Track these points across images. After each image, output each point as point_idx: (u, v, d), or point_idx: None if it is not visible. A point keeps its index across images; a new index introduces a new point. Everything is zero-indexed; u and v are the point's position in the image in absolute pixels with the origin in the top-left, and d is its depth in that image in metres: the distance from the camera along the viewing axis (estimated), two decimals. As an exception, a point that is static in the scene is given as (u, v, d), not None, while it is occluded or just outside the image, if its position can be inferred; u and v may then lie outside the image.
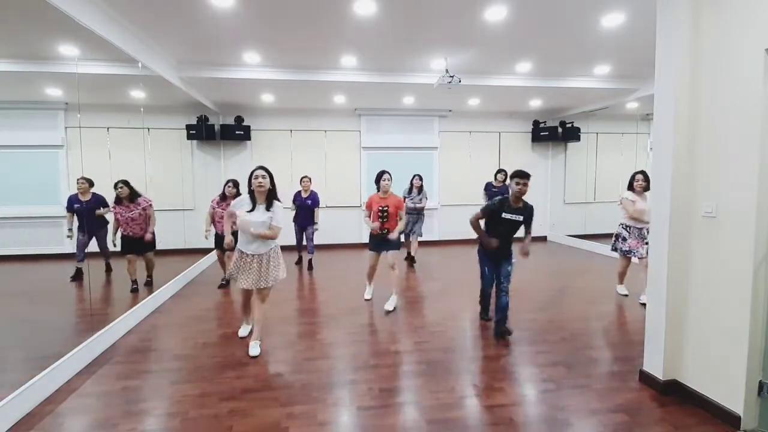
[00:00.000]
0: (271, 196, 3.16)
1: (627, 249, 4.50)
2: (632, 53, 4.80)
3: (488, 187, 6.59)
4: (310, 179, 6.14)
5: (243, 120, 7.36)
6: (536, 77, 5.85)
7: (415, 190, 6.21)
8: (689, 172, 2.47)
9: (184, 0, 3.34)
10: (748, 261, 2.14)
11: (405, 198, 6.02)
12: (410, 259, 6.35)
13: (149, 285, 4.64)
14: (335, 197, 7.80)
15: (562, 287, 5.02)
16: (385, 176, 4.20)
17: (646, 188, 4.38)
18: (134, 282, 4.51)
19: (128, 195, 4.36)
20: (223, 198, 4.92)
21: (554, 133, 8.20)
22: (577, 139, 8.01)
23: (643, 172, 4.50)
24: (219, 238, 4.99)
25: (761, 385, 2.17)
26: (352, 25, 3.88)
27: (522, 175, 3.31)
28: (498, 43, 4.45)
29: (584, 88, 6.13)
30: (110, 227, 4.49)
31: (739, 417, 2.20)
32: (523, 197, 3.42)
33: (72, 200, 4.13)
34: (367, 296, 4.60)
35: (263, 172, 3.11)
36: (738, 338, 2.19)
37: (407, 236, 6.21)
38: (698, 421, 2.31)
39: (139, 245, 4.48)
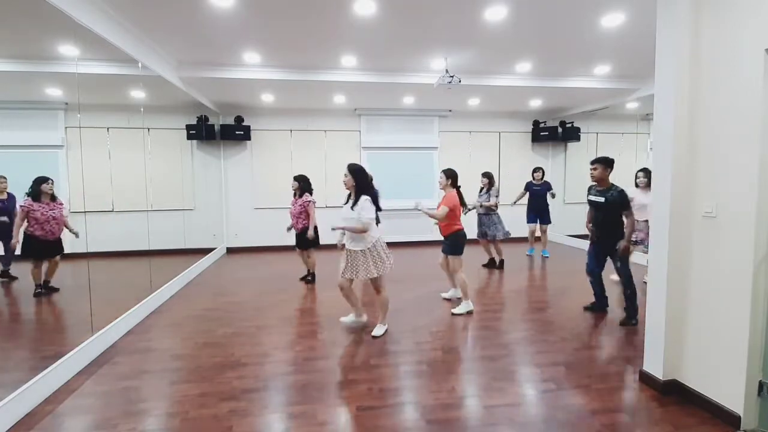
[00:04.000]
0: (358, 193, 3.36)
1: (638, 240, 4.71)
2: (632, 53, 4.80)
3: (529, 186, 6.87)
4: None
5: (243, 120, 7.36)
6: (536, 77, 5.85)
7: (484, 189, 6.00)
8: (689, 172, 2.47)
9: (184, 0, 3.34)
10: (748, 261, 2.14)
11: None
12: (496, 263, 6.10)
13: (51, 289, 4.25)
14: (335, 197, 7.80)
15: (562, 287, 5.02)
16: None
17: (648, 184, 4.60)
18: (39, 286, 4.13)
19: (52, 194, 4.08)
20: (295, 195, 5.26)
21: (554, 133, 8.20)
22: (577, 139, 8.00)
23: (644, 169, 4.75)
24: (296, 236, 5.29)
25: (761, 385, 2.17)
26: (352, 25, 3.88)
27: (592, 161, 3.81)
28: (498, 43, 4.45)
29: (584, 88, 6.14)
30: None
31: (739, 417, 2.20)
32: (603, 182, 3.77)
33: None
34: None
35: (346, 171, 3.38)
36: (738, 338, 2.19)
37: (488, 239, 6.00)
38: (698, 421, 2.31)
39: (52, 247, 4.11)
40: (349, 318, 3.77)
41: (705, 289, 2.41)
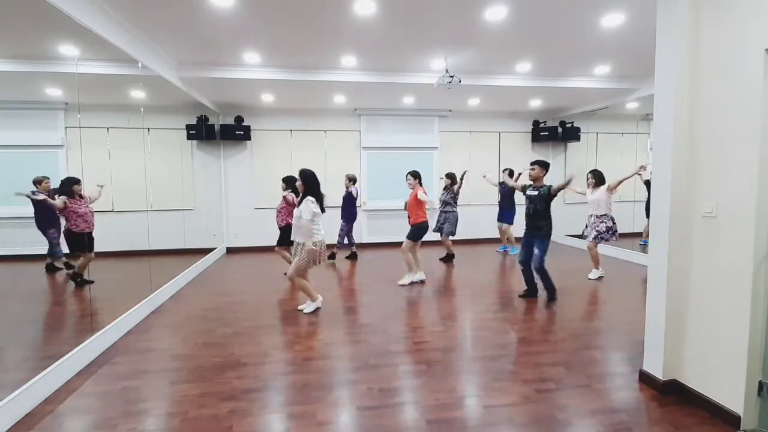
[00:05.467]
0: (305, 194, 3.92)
1: (585, 233, 5.52)
2: (632, 53, 4.80)
3: (501, 184, 7.12)
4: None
5: (243, 120, 7.36)
6: (536, 77, 5.85)
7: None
8: (689, 171, 2.47)
9: (185, 0, 3.34)
10: (748, 261, 2.14)
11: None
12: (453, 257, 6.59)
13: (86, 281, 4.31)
14: (335, 198, 7.79)
15: (562, 287, 5.00)
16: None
17: (596, 184, 5.35)
18: (80, 277, 4.27)
19: (80, 193, 4.17)
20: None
21: (554, 133, 8.20)
22: (577, 139, 8.00)
23: (592, 171, 5.48)
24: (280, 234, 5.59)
25: (761, 385, 2.17)
26: (352, 25, 3.88)
27: (532, 162, 4.43)
28: (498, 43, 4.45)
29: (584, 88, 6.14)
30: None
31: (739, 417, 2.20)
32: (539, 180, 4.36)
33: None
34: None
35: (297, 176, 4.03)
36: (738, 338, 2.19)
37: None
38: (698, 421, 2.31)
39: (91, 239, 4.25)
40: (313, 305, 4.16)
41: (705, 289, 2.41)
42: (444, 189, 6.44)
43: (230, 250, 7.70)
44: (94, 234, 4.32)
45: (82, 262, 4.23)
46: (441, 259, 6.61)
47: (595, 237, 5.26)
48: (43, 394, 2.56)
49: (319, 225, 3.99)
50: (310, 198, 3.89)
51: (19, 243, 4.09)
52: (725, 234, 2.27)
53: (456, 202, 6.35)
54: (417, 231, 5.08)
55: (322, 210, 4.01)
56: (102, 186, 4.50)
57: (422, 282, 5.20)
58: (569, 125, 8.02)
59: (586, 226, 5.51)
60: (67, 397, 2.59)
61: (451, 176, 6.41)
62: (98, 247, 4.55)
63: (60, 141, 4.42)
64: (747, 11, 2.13)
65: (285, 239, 5.44)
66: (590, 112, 7.55)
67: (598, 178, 5.37)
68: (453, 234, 6.36)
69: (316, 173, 4.08)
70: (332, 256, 6.71)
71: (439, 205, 6.40)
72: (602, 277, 5.40)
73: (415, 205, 5.04)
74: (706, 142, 2.37)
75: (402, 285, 5.09)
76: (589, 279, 5.40)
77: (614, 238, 5.23)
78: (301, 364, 3.04)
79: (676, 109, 2.45)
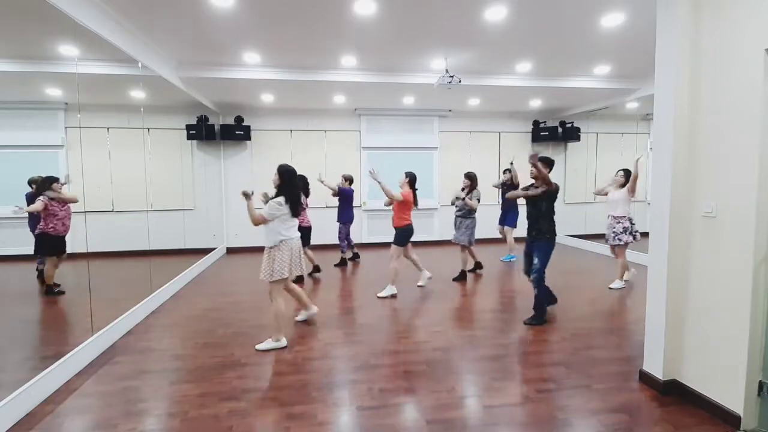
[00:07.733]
0: (278, 193, 3.39)
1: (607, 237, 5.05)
2: (632, 53, 4.80)
3: (503, 185, 6.58)
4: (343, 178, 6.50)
5: (243, 120, 7.36)
6: (536, 77, 5.85)
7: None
8: (689, 172, 2.47)
9: (184, 0, 3.34)
10: (748, 261, 2.14)
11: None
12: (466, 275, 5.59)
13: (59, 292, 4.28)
14: (335, 197, 7.79)
15: (562, 287, 5.01)
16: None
17: (623, 185, 4.90)
18: (55, 285, 4.17)
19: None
20: None
21: (554, 133, 8.20)
22: (577, 139, 8.00)
23: (624, 170, 4.97)
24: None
25: (761, 385, 2.17)
26: (352, 25, 3.88)
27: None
28: (498, 43, 4.45)
29: (584, 88, 6.14)
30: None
31: (739, 417, 2.20)
32: (539, 178, 3.94)
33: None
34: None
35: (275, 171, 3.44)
36: (738, 338, 2.19)
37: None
38: (698, 421, 2.31)
39: (62, 243, 4.09)
40: (301, 316, 3.94)
41: (705, 289, 2.41)
42: (462, 191, 5.47)
43: (230, 250, 7.70)
44: (66, 237, 4.11)
45: (48, 269, 4.07)
46: (470, 271, 5.81)
47: (614, 239, 4.85)
48: (43, 394, 2.56)
49: (290, 228, 3.43)
50: (278, 198, 3.34)
51: (21, 243, 4.10)
52: (725, 234, 2.27)
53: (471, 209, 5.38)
54: (402, 235, 4.69)
55: (296, 213, 3.44)
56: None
57: (395, 293, 4.71)
58: (569, 125, 8.03)
59: (607, 228, 5.04)
60: (67, 397, 2.59)
61: (471, 177, 5.43)
62: (98, 246, 4.55)
63: (60, 141, 4.42)
64: (747, 11, 2.13)
65: (305, 240, 5.10)
66: (590, 112, 7.55)
67: (627, 178, 4.86)
68: (467, 243, 5.44)
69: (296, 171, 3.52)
70: (344, 263, 6.44)
71: (458, 211, 5.48)
72: (622, 288, 4.94)
73: (398, 206, 4.68)
74: (706, 142, 2.37)
75: (381, 297, 4.62)
76: (610, 288, 4.93)
77: (632, 239, 4.82)
78: (301, 364, 3.04)
79: (676, 109, 2.45)
